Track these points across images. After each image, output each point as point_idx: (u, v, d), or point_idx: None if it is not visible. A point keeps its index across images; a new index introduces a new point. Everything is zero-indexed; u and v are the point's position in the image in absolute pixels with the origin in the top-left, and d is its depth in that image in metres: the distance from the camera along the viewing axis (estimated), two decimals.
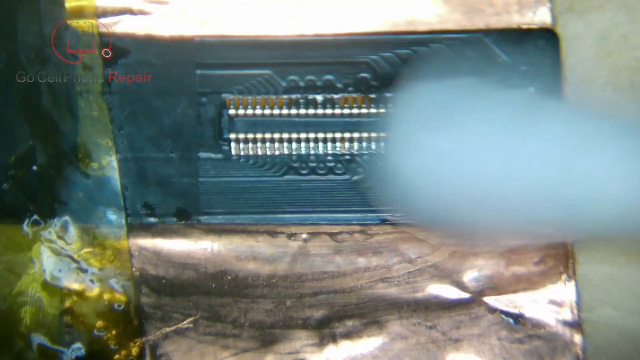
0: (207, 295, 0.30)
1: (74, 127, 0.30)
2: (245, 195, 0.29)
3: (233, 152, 0.29)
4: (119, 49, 0.29)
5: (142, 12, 0.30)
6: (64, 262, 0.30)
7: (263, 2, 0.29)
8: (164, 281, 0.30)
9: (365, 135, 0.29)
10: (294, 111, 0.29)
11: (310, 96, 0.29)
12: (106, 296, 0.30)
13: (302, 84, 0.29)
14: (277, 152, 0.29)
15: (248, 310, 0.30)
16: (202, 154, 0.29)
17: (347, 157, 0.29)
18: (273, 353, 0.29)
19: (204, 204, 0.29)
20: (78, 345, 0.30)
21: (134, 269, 0.30)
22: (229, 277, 0.30)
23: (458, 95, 0.25)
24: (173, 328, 0.30)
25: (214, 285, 0.30)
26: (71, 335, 0.30)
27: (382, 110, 0.29)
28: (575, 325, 0.29)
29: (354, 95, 0.29)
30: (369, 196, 0.29)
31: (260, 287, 0.30)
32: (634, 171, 0.21)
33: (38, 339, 0.30)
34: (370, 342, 0.29)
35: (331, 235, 0.29)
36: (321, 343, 0.29)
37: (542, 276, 0.29)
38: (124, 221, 0.29)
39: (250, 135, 0.29)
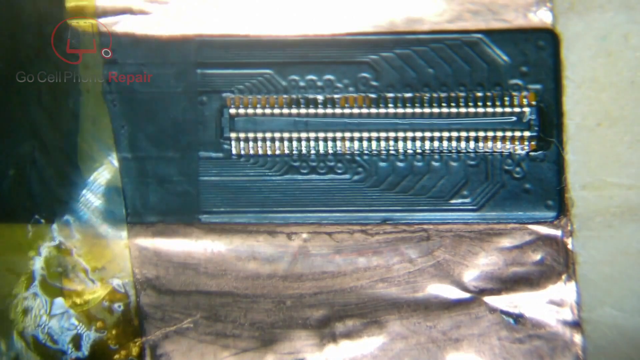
0: (207, 295, 0.30)
1: (74, 127, 0.30)
2: (245, 195, 0.29)
3: (233, 151, 0.29)
4: (119, 49, 0.29)
5: (142, 12, 0.30)
6: (64, 262, 0.30)
7: (264, 2, 0.29)
8: (164, 281, 0.30)
9: (365, 135, 0.29)
10: (294, 111, 0.29)
11: (311, 96, 0.29)
12: (106, 296, 0.30)
13: (302, 83, 0.29)
14: (277, 152, 0.29)
15: (248, 310, 0.29)
16: (203, 153, 0.29)
17: (348, 156, 0.29)
18: (273, 353, 0.29)
19: (204, 203, 0.29)
20: (78, 345, 0.30)
21: (134, 269, 0.30)
22: (229, 277, 0.30)
23: None
24: (173, 328, 0.30)
25: (214, 285, 0.30)
26: (71, 335, 0.30)
27: (382, 110, 0.29)
28: (575, 325, 0.28)
29: (355, 95, 0.29)
30: (369, 196, 0.29)
31: (260, 287, 0.30)
32: None
33: (38, 339, 0.30)
34: (370, 342, 0.29)
35: (331, 235, 0.29)
36: (321, 343, 0.29)
37: (542, 276, 0.29)
38: (124, 221, 0.29)
39: (250, 135, 0.29)
